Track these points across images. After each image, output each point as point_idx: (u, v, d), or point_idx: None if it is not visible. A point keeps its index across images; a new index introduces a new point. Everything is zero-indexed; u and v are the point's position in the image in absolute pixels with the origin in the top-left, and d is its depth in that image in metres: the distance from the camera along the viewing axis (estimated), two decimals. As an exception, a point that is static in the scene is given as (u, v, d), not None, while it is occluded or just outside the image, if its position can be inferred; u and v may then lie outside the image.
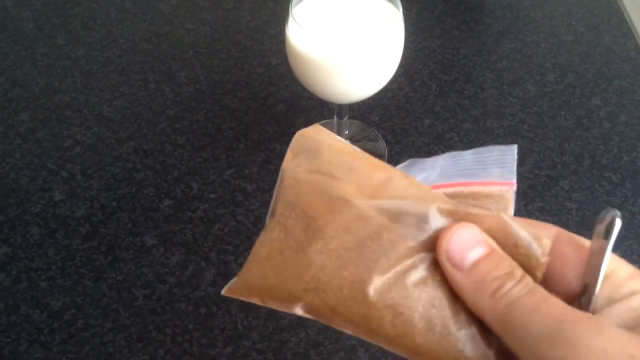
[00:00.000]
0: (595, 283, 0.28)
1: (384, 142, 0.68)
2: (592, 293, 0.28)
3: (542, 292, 0.27)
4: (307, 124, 0.70)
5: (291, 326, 0.54)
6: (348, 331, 0.30)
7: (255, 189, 0.64)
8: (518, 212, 0.62)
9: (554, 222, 0.61)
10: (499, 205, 0.33)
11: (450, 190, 0.35)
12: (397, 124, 0.70)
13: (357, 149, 0.32)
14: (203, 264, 0.58)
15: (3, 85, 0.75)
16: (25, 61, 0.78)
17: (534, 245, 0.29)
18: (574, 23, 0.83)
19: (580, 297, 0.28)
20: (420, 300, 0.29)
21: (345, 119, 0.65)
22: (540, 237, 0.29)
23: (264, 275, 0.31)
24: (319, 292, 0.30)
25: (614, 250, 0.27)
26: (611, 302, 0.27)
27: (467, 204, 0.30)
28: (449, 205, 0.30)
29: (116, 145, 0.68)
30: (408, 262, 0.29)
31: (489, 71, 0.77)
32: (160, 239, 0.60)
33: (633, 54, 0.78)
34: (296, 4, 0.56)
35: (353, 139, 0.69)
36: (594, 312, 0.28)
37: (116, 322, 0.54)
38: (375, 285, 0.29)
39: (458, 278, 0.28)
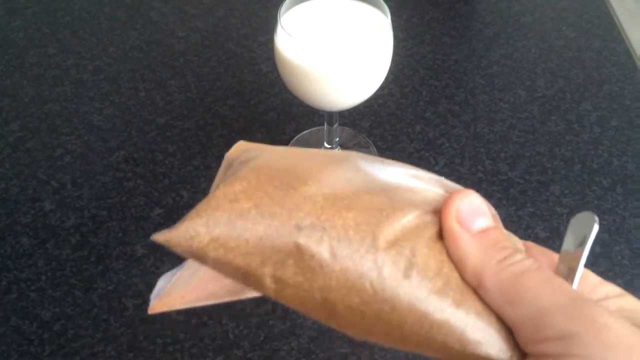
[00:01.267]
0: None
1: (375, 149, 0.68)
2: None
3: (550, 272, 0.26)
4: (297, 131, 0.70)
5: (282, 335, 0.54)
6: (339, 305, 0.25)
7: (246, 197, 0.64)
8: (509, 218, 0.62)
9: (545, 228, 0.61)
10: None
11: None
12: (388, 131, 0.70)
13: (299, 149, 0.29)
14: (194, 272, 0.58)
15: (-7, 95, 0.75)
16: (15, 70, 0.78)
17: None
18: (564, 28, 0.83)
19: None
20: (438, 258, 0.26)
21: (335, 126, 0.65)
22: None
23: (237, 210, 0.25)
24: (316, 231, 0.25)
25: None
26: None
27: None
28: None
29: (106, 154, 0.68)
30: (416, 221, 0.26)
31: (480, 77, 0.77)
32: (150, 248, 0.59)
33: (623, 59, 0.79)
34: (285, 12, 0.56)
35: (344, 146, 0.69)
36: None
37: (107, 332, 0.54)
38: (386, 235, 0.25)
39: (464, 238, 0.27)
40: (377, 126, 0.71)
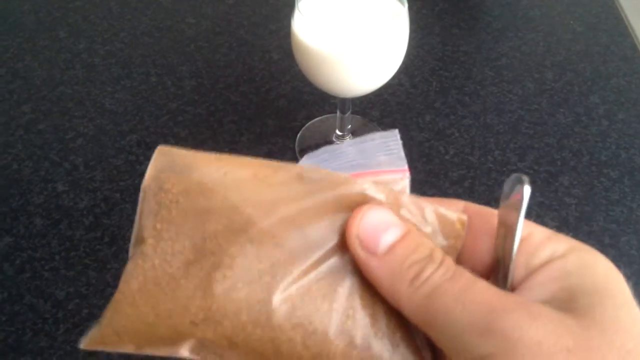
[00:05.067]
0: (510, 255, 0.25)
1: (385, 137, 0.69)
2: (507, 266, 0.26)
3: (466, 275, 0.24)
4: (308, 118, 0.71)
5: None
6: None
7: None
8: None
9: (554, 217, 0.62)
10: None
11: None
12: (398, 120, 0.71)
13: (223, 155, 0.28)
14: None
15: (4, 77, 0.75)
16: (26, 53, 0.78)
17: (450, 221, 0.27)
18: (572, 22, 0.84)
19: (497, 273, 0.26)
20: (331, 312, 0.25)
21: (348, 114, 0.66)
22: (454, 212, 0.27)
23: (137, 314, 0.26)
24: (210, 323, 0.25)
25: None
26: (530, 271, 0.25)
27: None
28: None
29: (118, 137, 0.68)
30: (313, 274, 0.25)
31: (489, 68, 0.77)
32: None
33: (630, 53, 0.79)
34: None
35: (355, 134, 0.69)
36: (513, 287, 0.26)
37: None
38: (279, 304, 0.25)
39: (373, 265, 0.25)
40: (387, 115, 0.71)
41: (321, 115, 0.71)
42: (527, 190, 0.25)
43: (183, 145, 0.67)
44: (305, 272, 0.25)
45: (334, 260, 0.26)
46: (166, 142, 0.68)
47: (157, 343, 0.26)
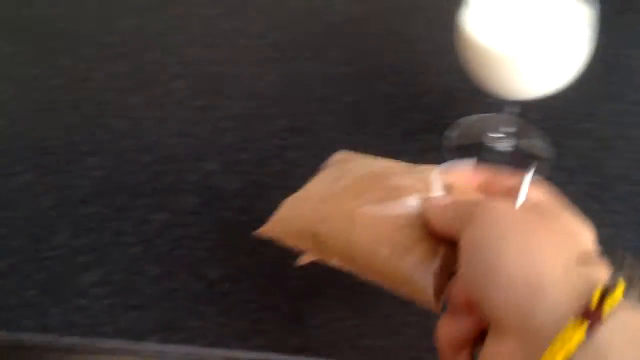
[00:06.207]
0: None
1: (545, 143, 0.65)
2: None
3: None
4: (459, 115, 0.68)
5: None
6: (337, 258, 0.40)
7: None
8: None
9: None
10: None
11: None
12: (561, 125, 0.67)
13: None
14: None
15: (156, 53, 0.76)
16: (178, 30, 0.79)
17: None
18: None
19: None
20: (392, 226, 0.38)
21: (506, 115, 0.62)
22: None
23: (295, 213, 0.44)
24: (326, 221, 0.40)
25: None
26: None
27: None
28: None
29: (268, 121, 0.68)
30: (394, 201, 0.39)
31: (659, 76, 0.71)
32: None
33: None
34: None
35: (511, 136, 0.65)
36: None
37: (269, 301, 0.53)
38: (363, 209, 0.39)
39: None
40: (549, 118, 0.67)
41: (476, 113, 0.68)
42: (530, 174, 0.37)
43: (330, 135, 0.65)
44: (391, 196, 0.39)
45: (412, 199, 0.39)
46: (313, 129, 0.67)
47: (299, 231, 0.42)
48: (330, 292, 0.54)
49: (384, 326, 0.51)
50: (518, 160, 0.64)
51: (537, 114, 0.67)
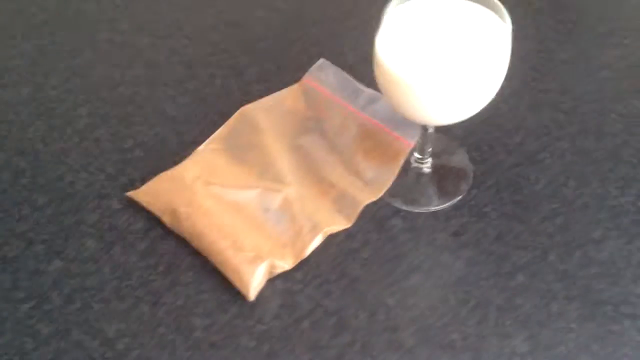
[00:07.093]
0: None
1: (468, 159, 0.62)
2: None
3: None
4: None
5: (361, 374, 0.49)
6: (187, 235, 0.55)
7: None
8: (617, 252, 0.55)
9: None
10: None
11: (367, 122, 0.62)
12: (484, 140, 0.64)
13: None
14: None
15: (63, 74, 0.71)
16: (86, 47, 0.74)
17: None
18: (689, 28, 0.74)
19: None
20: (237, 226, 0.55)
21: (429, 131, 0.59)
22: None
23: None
24: (187, 205, 0.55)
25: None
26: None
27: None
28: None
29: (179, 148, 0.64)
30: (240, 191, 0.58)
31: (589, 81, 0.69)
32: (221, 260, 0.55)
33: None
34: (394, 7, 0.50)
35: (434, 154, 0.62)
36: None
37: (172, 356, 0.50)
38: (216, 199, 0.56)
39: None
40: (472, 134, 0.64)
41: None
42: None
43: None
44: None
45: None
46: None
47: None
48: (237, 344, 0.51)
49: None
50: (440, 179, 0.61)
51: (459, 129, 0.64)
